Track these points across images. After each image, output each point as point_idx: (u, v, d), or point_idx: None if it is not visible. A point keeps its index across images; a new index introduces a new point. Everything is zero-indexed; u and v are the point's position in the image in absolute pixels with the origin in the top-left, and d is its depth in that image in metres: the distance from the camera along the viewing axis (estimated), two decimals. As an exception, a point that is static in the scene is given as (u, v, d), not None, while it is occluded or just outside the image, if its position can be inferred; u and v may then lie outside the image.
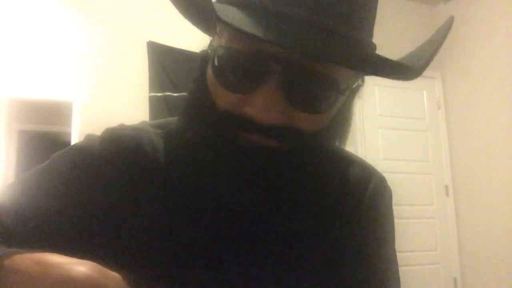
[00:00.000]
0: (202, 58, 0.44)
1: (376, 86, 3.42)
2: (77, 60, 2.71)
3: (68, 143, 2.79)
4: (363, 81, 0.47)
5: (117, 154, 0.47)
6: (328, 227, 0.49)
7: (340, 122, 0.45)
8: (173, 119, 0.51)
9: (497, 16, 3.22)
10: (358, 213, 0.50)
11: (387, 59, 0.39)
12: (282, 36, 0.35)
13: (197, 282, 0.44)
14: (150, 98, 2.75)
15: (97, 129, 0.51)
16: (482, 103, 3.28)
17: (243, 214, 0.45)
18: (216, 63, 0.40)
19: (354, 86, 0.45)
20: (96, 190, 0.45)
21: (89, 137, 0.50)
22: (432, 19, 3.75)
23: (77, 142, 0.50)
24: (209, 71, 0.41)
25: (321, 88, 0.39)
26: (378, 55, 0.40)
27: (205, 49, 0.45)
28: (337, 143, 0.46)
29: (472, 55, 3.40)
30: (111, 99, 2.71)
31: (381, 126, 3.38)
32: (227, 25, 0.35)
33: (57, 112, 3.96)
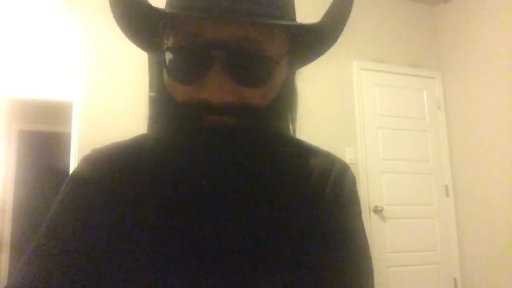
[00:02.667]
0: (157, 65, 0.51)
1: (376, 86, 3.43)
2: (77, 60, 2.72)
3: (68, 143, 2.79)
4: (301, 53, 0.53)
5: (102, 178, 0.52)
6: (292, 213, 0.51)
7: (286, 95, 0.51)
8: (140, 135, 0.58)
9: (497, 16, 3.22)
10: (322, 203, 0.52)
11: (305, 23, 0.46)
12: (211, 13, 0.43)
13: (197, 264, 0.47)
14: (150, 98, 2.75)
15: (97, 129, 0.52)
16: (482, 103, 3.28)
17: (222, 195, 0.49)
18: (168, 64, 0.46)
19: (292, 59, 0.52)
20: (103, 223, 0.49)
21: (73, 179, 0.53)
22: (432, 19, 3.76)
23: (63, 191, 0.52)
24: (164, 73, 0.48)
25: (257, 62, 0.45)
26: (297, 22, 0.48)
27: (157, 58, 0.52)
28: (287, 116, 0.52)
29: (472, 55, 3.40)
30: (111, 99, 2.71)
31: (381, 126, 3.38)
32: (174, 17, 0.45)
33: (57, 112, 3.97)
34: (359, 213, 0.55)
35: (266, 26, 0.45)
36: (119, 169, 0.52)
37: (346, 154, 3.17)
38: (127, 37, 0.53)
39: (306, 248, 0.50)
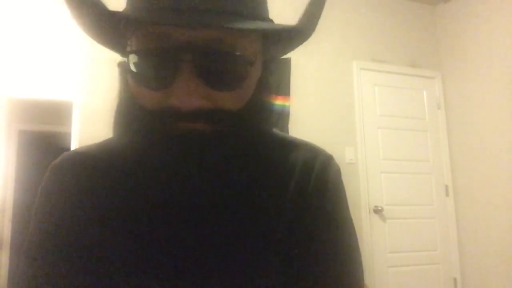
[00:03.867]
0: (121, 69, 0.48)
1: (376, 86, 3.43)
2: (77, 60, 2.71)
3: (68, 143, 2.79)
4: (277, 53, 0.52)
5: (68, 182, 0.50)
6: (276, 210, 0.50)
7: (260, 96, 0.48)
8: (109, 139, 0.56)
9: (497, 16, 3.22)
10: (306, 194, 0.51)
11: (277, 24, 0.44)
12: (178, 19, 0.40)
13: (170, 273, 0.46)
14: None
15: (97, 129, 0.52)
16: (482, 103, 3.28)
17: (195, 203, 0.47)
18: (133, 68, 0.43)
19: (265, 59, 0.50)
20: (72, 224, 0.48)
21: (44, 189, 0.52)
22: (432, 19, 3.76)
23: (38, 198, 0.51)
24: (129, 78, 0.45)
25: (230, 64, 0.42)
26: (269, 23, 0.46)
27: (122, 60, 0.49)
28: (263, 116, 0.49)
29: (472, 55, 3.40)
30: (111, 99, 2.71)
31: (381, 126, 3.38)
32: (137, 21, 0.40)
33: (57, 112, 3.96)
34: (345, 204, 0.54)
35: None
36: (91, 176, 0.51)
37: (346, 154, 3.17)
38: (92, 37, 0.50)
39: (294, 243, 0.49)
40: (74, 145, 2.69)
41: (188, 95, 0.40)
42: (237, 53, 0.43)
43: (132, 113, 0.45)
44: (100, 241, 0.47)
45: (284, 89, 3.03)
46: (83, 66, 2.71)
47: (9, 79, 2.69)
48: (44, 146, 4.52)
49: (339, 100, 3.30)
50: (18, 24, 2.69)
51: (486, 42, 3.29)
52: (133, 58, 0.42)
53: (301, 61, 3.08)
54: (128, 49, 0.44)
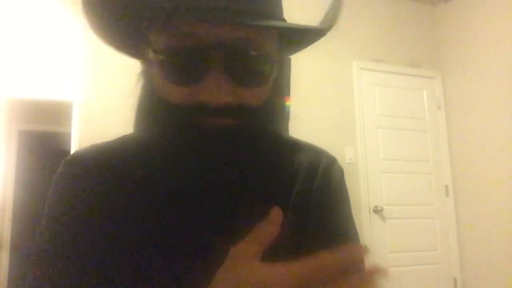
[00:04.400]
0: (145, 66, 0.50)
1: (376, 86, 3.43)
2: (77, 60, 2.72)
3: (68, 143, 2.79)
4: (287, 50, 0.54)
5: (85, 181, 0.50)
6: (284, 212, 0.51)
7: (278, 92, 0.51)
8: (123, 137, 0.56)
9: (497, 16, 3.22)
10: (310, 195, 0.53)
11: (295, 23, 0.46)
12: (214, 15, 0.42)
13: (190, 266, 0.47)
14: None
15: (97, 129, 0.51)
16: (482, 103, 3.28)
17: (221, 195, 0.48)
18: (163, 66, 0.44)
19: (282, 60, 0.52)
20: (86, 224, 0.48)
21: (55, 186, 0.51)
22: (432, 19, 3.76)
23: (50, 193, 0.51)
24: (155, 76, 0.46)
25: (257, 62, 0.45)
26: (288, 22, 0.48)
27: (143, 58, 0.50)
28: (278, 114, 0.52)
29: (472, 55, 3.40)
30: (111, 99, 2.71)
31: (381, 126, 3.38)
32: (182, 17, 0.42)
33: (57, 112, 3.96)
34: (348, 205, 0.56)
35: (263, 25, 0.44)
36: (107, 171, 0.51)
37: (346, 154, 3.17)
38: (104, 41, 0.50)
39: (297, 241, 0.50)
40: (74, 145, 2.69)
41: (218, 91, 0.42)
42: (264, 53, 0.45)
43: (158, 109, 0.46)
44: (118, 238, 0.47)
45: (284, 89, 3.03)
46: (83, 66, 2.71)
47: (9, 79, 2.69)
48: (44, 146, 4.52)
49: (339, 100, 3.30)
50: (19, 24, 2.69)
51: (486, 42, 3.28)
52: (161, 55, 0.44)
53: (301, 61, 3.08)
54: (155, 47, 0.45)
